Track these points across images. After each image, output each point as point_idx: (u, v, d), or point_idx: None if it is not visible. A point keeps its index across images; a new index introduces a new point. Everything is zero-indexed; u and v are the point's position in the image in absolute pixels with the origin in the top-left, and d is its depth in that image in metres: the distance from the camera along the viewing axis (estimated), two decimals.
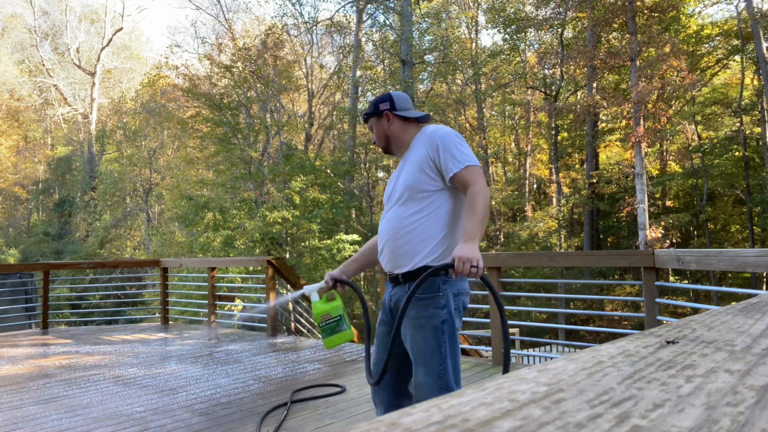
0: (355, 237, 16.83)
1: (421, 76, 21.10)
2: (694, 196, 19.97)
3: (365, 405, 3.55)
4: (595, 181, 19.47)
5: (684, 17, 18.18)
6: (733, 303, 0.88)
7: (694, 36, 18.15)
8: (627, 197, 18.71)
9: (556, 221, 20.32)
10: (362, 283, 20.90)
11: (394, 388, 2.20)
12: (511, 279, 4.87)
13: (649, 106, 15.85)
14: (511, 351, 5.04)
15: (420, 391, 2.01)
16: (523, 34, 19.95)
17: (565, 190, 21.68)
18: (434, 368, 1.98)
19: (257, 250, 16.24)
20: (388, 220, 2.15)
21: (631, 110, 15.78)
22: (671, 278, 17.31)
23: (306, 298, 2.61)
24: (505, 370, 1.99)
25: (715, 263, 3.29)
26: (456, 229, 2.09)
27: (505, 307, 4.67)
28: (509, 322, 4.70)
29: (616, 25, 17.25)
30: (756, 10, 14.95)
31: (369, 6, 19.90)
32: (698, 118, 19.85)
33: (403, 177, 2.14)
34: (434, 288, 2.02)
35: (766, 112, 16.74)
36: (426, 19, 20.90)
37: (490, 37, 44.38)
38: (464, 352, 5.57)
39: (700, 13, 19.25)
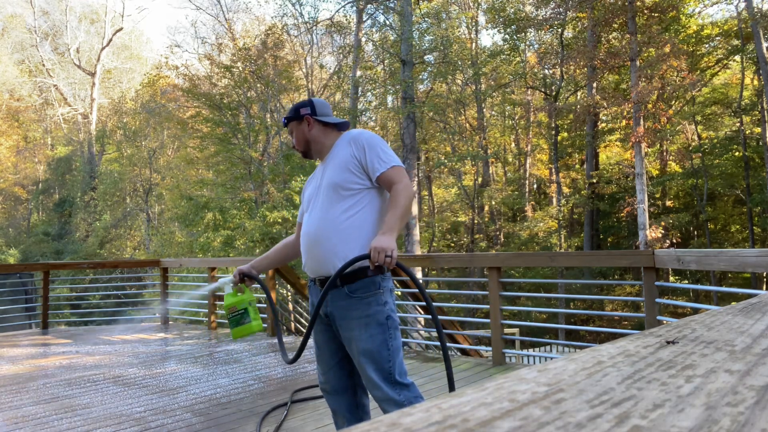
0: None
1: (421, 76, 21.09)
2: (694, 196, 19.97)
3: None
4: (595, 181, 19.47)
5: (684, 17, 18.18)
6: (733, 303, 0.88)
7: (694, 36, 18.15)
8: (627, 197, 18.72)
9: (556, 221, 20.32)
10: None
11: (350, 388, 2.25)
12: (511, 279, 4.87)
13: (649, 106, 15.85)
14: (511, 351, 5.04)
15: (372, 388, 2.05)
16: (523, 34, 19.94)
17: (565, 190, 21.68)
18: (384, 364, 2.02)
19: (257, 250, 16.24)
20: (314, 222, 2.15)
21: (631, 110, 15.78)
22: (671, 278, 17.32)
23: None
24: (449, 380, 2.10)
25: (715, 263, 3.29)
26: (377, 231, 2.12)
27: (505, 307, 4.66)
28: (509, 322, 4.70)
29: (616, 25, 17.25)
30: (756, 10, 14.95)
31: (369, 6, 19.90)
32: (698, 118, 19.85)
33: (326, 177, 2.16)
34: (375, 286, 2.06)
35: (766, 112, 16.74)
36: (426, 19, 20.89)
37: (490, 37, 44.41)
38: (464, 352, 5.57)
39: (700, 13, 19.25)
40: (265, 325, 6.33)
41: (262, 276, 2.49)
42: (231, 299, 2.38)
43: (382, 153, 2.10)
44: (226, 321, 2.45)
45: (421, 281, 2.13)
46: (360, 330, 2.04)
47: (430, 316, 5.68)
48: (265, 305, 6.38)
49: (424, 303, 5.69)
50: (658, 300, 3.86)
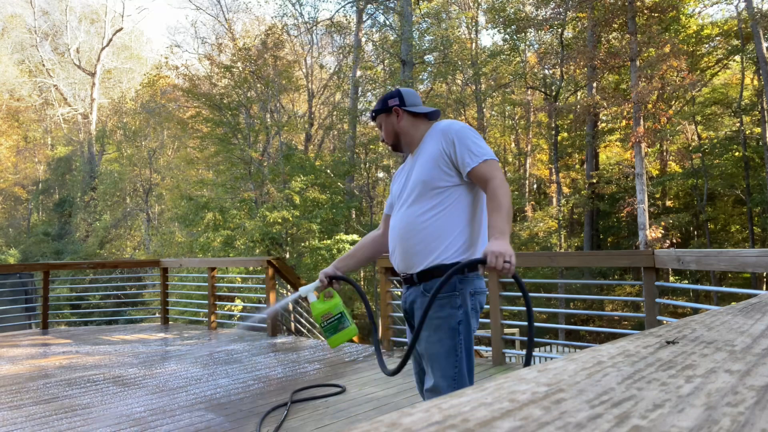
0: (355, 237, 16.82)
1: (421, 77, 21.09)
2: (694, 196, 19.96)
3: (365, 405, 3.55)
4: (595, 181, 19.47)
5: (684, 17, 18.17)
6: (733, 303, 0.88)
7: (694, 36, 18.15)
8: (627, 197, 18.71)
9: (556, 221, 20.32)
10: (363, 282, 20.90)
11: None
12: (511, 279, 4.87)
13: (649, 106, 15.85)
14: (511, 351, 5.04)
15: (434, 394, 1.95)
16: (523, 34, 19.94)
17: (565, 190, 21.68)
18: (449, 371, 1.94)
19: (257, 251, 16.24)
20: (400, 219, 2.08)
21: (631, 110, 15.77)
22: (671, 278, 17.31)
23: (304, 299, 2.52)
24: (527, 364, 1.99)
25: (715, 263, 3.29)
26: (473, 225, 2.02)
27: (505, 307, 4.66)
28: (509, 322, 4.70)
29: (616, 26, 17.25)
30: (756, 10, 14.95)
31: (369, 6, 19.90)
32: (698, 118, 19.85)
33: (415, 173, 2.07)
34: (451, 287, 1.96)
35: (766, 112, 16.74)
36: (426, 19, 20.90)
37: (490, 38, 44.42)
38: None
39: (700, 13, 19.25)
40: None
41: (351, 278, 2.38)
42: (322, 306, 2.22)
43: (474, 146, 1.98)
44: (321, 330, 2.27)
45: (529, 296, 2.05)
46: (430, 331, 1.97)
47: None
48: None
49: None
50: (658, 300, 3.86)
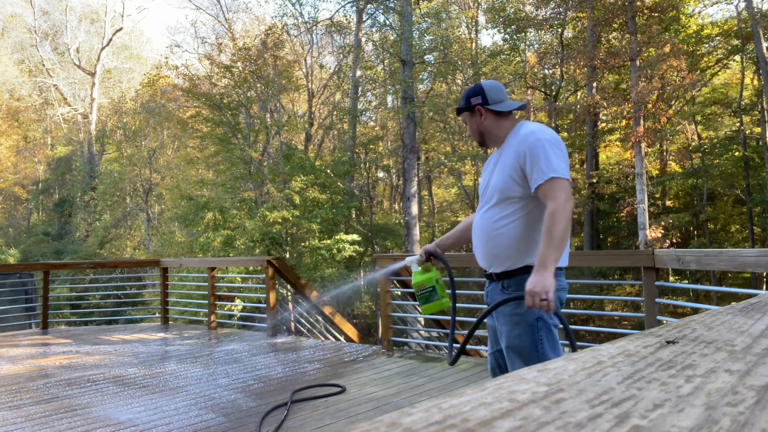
0: (355, 237, 16.82)
1: (421, 76, 21.08)
2: (694, 196, 19.96)
3: (365, 405, 3.55)
4: (595, 181, 19.46)
5: (684, 17, 18.17)
6: (733, 303, 0.88)
7: (694, 36, 18.14)
8: (627, 197, 18.71)
9: None
10: (363, 283, 20.88)
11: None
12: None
13: (649, 106, 15.85)
14: None
15: None
16: (523, 34, 19.93)
17: None
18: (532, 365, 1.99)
19: (257, 250, 16.24)
20: (480, 220, 2.18)
21: (631, 110, 15.77)
22: (671, 278, 17.31)
23: (406, 269, 2.78)
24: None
25: (715, 263, 3.28)
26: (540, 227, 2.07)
27: None
28: None
29: (616, 25, 17.24)
30: (756, 10, 14.95)
31: (369, 6, 19.89)
32: (698, 118, 19.84)
33: (494, 177, 2.13)
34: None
35: (766, 112, 16.73)
36: (426, 19, 20.89)
37: (490, 37, 44.41)
38: (465, 352, 5.57)
39: (700, 13, 19.25)
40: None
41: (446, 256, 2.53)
42: (419, 277, 2.41)
43: (544, 161, 1.96)
44: (416, 300, 2.50)
45: (572, 331, 2.10)
46: (510, 327, 2.06)
47: (429, 316, 5.67)
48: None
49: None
50: (658, 300, 3.86)
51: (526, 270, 2.01)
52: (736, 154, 18.38)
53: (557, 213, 1.89)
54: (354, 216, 20.86)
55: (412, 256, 2.49)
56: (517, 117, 2.28)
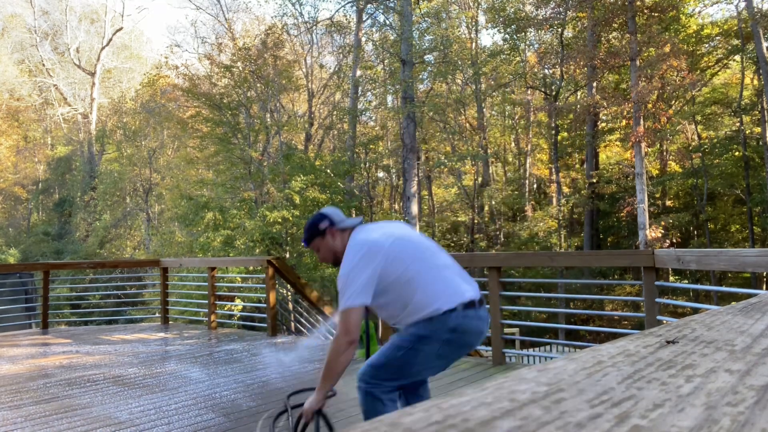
0: None
1: (421, 76, 21.08)
2: (694, 196, 19.96)
3: None
4: (595, 181, 19.47)
5: (684, 17, 18.17)
6: (733, 303, 0.88)
7: (694, 36, 18.14)
8: (627, 197, 18.71)
9: (556, 221, 20.32)
10: None
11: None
12: (511, 279, 4.87)
13: (649, 105, 15.85)
14: (511, 351, 5.04)
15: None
16: (523, 33, 19.94)
17: (565, 189, 21.68)
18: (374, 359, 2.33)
19: (257, 250, 16.23)
20: None
21: (631, 110, 15.77)
22: (671, 278, 17.31)
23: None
24: None
25: (715, 263, 3.29)
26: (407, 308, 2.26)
27: (505, 307, 4.65)
28: (509, 321, 4.70)
29: (616, 25, 17.24)
30: (756, 9, 14.94)
31: (369, 6, 19.89)
32: (698, 117, 19.84)
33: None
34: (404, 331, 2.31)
35: (766, 111, 16.73)
36: (426, 18, 20.89)
37: (490, 37, 44.40)
38: None
39: (700, 12, 19.25)
40: None
41: None
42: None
43: (341, 293, 2.16)
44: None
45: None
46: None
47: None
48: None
49: None
50: (658, 300, 3.86)
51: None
52: (736, 153, 18.38)
53: (331, 347, 2.14)
54: (354, 216, 20.85)
55: None
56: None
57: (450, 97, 21.85)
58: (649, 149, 19.00)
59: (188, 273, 15.52)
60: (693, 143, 20.54)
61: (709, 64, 18.58)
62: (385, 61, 21.31)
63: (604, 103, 17.32)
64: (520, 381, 0.40)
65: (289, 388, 4.01)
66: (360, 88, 21.23)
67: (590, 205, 19.71)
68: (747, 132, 18.35)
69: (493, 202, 22.38)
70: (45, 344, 6.25)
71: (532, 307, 15.10)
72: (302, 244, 2.44)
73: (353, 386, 4.00)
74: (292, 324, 7.37)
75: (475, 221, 22.08)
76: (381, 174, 25.45)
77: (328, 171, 18.38)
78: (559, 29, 18.68)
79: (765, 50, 14.62)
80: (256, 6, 42.96)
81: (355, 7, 20.12)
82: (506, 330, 5.06)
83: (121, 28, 31.72)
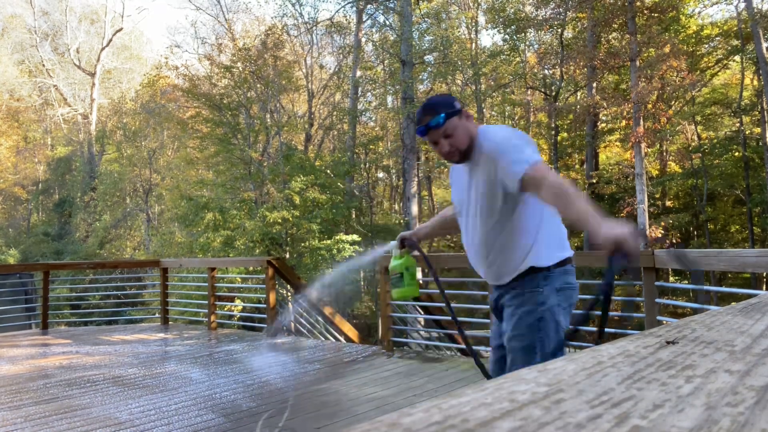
0: (355, 237, 16.82)
1: (421, 77, 21.09)
2: (694, 196, 19.97)
3: (365, 405, 3.55)
4: (595, 181, 19.46)
5: (684, 17, 18.17)
6: (733, 303, 0.88)
7: (694, 36, 18.14)
8: (627, 197, 18.70)
9: None
10: (363, 282, 20.89)
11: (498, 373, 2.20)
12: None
13: (649, 106, 15.85)
14: None
15: None
16: (523, 34, 19.93)
17: None
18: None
19: (257, 251, 16.23)
20: (473, 238, 2.04)
21: (631, 110, 15.77)
22: (671, 278, 17.31)
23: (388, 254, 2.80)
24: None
25: (715, 263, 3.28)
26: (545, 225, 1.94)
27: None
28: None
29: (615, 26, 17.24)
30: (756, 10, 14.95)
31: (369, 6, 19.90)
32: (698, 118, 19.84)
33: (475, 190, 1.96)
34: (534, 284, 1.91)
35: (765, 112, 16.73)
36: (426, 19, 20.90)
37: (489, 38, 44.43)
38: (464, 352, 5.57)
39: (699, 13, 19.25)
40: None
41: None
42: (392, 263, 2.45)
43: (515, 154, 1.78)
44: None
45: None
46: (511, 325, 1.96)
47: (429, 317, 5.68)
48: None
49: (424, 304, 5.69)
50: (658, 300, 3.86)
51: (532, 271, 1.92)
52: (736, 154, 18.38)
53: (559, 185, 1.66)
54: (354, 216, 20.87)
55: (394, 241, 2.49)
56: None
57: None
58: (649, 150, 19.00)
59: (188, 273, 15.51)
60: (693, 144, 20.54)
61: (709, 64, 18.58)
62: (385, 62, 21.31)
63: (604, 104, 17.32)
64: (519, 381, 0.41)
65: (288, 388, 4.01)
66: (360, 89, 21.23)
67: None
68: (747, 132, 18.36)
69: None
70: (45, 345, 6.25)
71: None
72: (421, 130, 1.93)
73: (354, 385, 4.00)
74: (292, 324, 7.37)
75: None
76: (381, 174, 25.46)
77: (328, 171, 18.39)
78: (559, 30, 18.68)
79: (765, 51, 14.62)
80: (256, 6, 43.03)
81: (355, 8, 20.13)
82: None
83: (121, 29, 31.73)
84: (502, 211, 1.91)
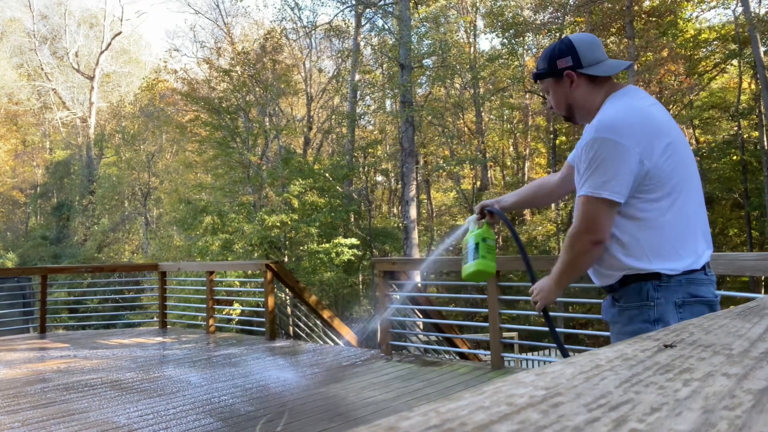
0: (354, 241, 16.81)
1: (419, 80, 21.13)
2: None
3: (363, 409, 3.54)
4: None
5: (681, 21, 18.24)
6: (731, 306, 0.88)
7: (692, 40, 18.21)
8: None
9: (555, 225, 20.33)
10: (362, 286, 20.86)
11: None
12: (510, 283, 4.87)
13: None
14: (510, 355, 5.04)
15: None
16: (522, 38, 19.99)
17: None
18: None
19: (256, 254, 16.22)
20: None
21: None
22: None
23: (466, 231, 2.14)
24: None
25: (713, 267, 3.29)
26: (648, 229, 1.62)
27: (504, 311, 4.66)
28: (508, 325, 4.69)
29: (614, 30, 17.31)
30: (753, 14, 15.01)
31: (368, 10, 19.95)
32: (696, 122, 19.90)
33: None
34: (642, 296, 1.62)
35: (763, 116, 16.79)
36: (424, 23, 20.95)
37: (488, 42, 44.52)
38: (463, 355, 5.57)
39: (697, 17, 19.32)
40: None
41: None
42: (466, 236, 2.07)
43: (584, 169, 1.58)
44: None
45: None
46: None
47: (427, 320, 5.67)
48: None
49: (423, 308, 5.68)
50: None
51: (636, 278, 1.63)
52: (734, 157, 18.42)
53: (572, 242, 1.64)
54: (352, 220, 20.87)
55: (473, 215, 2.15)
56: (616, 82, 1.76)
57: (448, 101, 21.89)
58: None
59: (186, 277, 15.49)
60: (691, 147, 20.58)
61: (707, 68, 18.65)
62: (384, 66, 21.34)
63: None
64: (517, 385, 0.40)
65: (287, 392, 4.01)
66: (359, 92, 21.27)
67: None
68: (744, 136, 18.41)
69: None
70: (42, 348, 6.23)
71: (531, 311, 15.09)
72: (532, 76, 1.83)
73: (352, 388, 4.00)
74: (291, 328, 7.36)
75: None
76: (379, 178, 25.46)
77: (327, 175, 18.40)
78: (558, 34, 18.74)
79: (762, 54, 14.67)
80: (255, 11, 43.09)
81: (353, 12, 20.18)
82: (505, 334, 5.06)
83: (120, 33, 31.77)
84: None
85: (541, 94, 21.57)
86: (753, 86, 18.29)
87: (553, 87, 1.77)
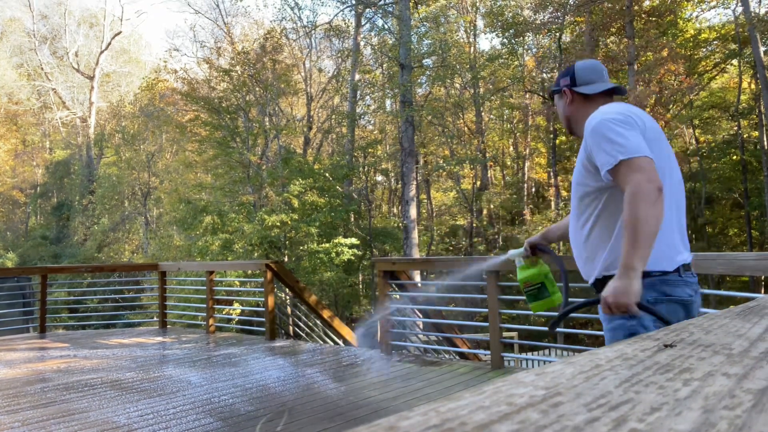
0: (354, 241, 16.81)
1: (419, 80, 21.13)
2: (692, 199, 20.00)
3: (363, 408, 3.54)
4: None
5: (681, 21, 18.24)
6: (731, 306, 0.88)
7: (692, 40, 18.21)
8: None
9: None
10: (362, 285, 20.87)
11: None
12: (510, 283, 4.87)
13: (647, 109, 15.89)
14: (510, 354, 5.04)
15: None
16: (522, 38, 20.00)
17: (564, 193, 21.70)
18: None
19: (256, 254, 16.22)
20: (569, 224, 1.99)
21: None
22: None
23: (511, 262, 2.39)
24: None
25: (713, 266, 3.29)
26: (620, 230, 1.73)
27: (504, 311, 4.65)
28: (508, 325, 4.69)
29: (613, 30, 17.31)
30: (753, 14, 15.01)
31: (368, 10, 19.94)
32: (696, 121, 19.90)
33: (574, 175, 1.88)
34: None
35: (763, 115, 16.79)
36: (424, 23, 20.95)
37: (488, 42, 44.53)
38: (463, 355, 5.57)
39: (697, 17, 19.33)
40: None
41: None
42: (525, 273, 2.24)
43: (607, 144, 1.62)
44: (524, 296, 2.35)
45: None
46: (608, 342, 1.78)
47: (427, 320, 5.68)
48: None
49: (423, 308, 5.69)
50: None
51: (605, 280, 1.76)
52: (734, 157, 18.43)
53: (633, 200, 1.53)
54: (352, 220, 20.87)
55: (515, 250, 2.32)
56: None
57: (448, 101, 21.89)
58: None
59: (186, 277, 15.49)
60: (691, 147, 20.58)
61: (707, 68, 18.65)
62: (384, 65, 21.34)
63: None
64: (517, 385, 0.40)
65: (287, 392, 4.01)
66: (359, 92, 21.27)
67: None
68: (744, 136, 18.41)
69: (492, 206, 22.40)
70: (42, 348, 6.23)
71: (531, 311, 15.08)
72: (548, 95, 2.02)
73: (352, 388, 4.00)
74: (291, 328, 7.36)
75: (474, 225, 22.09)
76: (379, 178, 25.46)
77: (327, 175, 18.40)
78: (557, 34, 18.74)
79: (762, 54, 14.67)
80: (255, 10, 43.10)
81: (353, 12, 20.17)
82: (505, 334, 5.06)
83: (120, 32, 31.77)
84: (591, 201, 1.82)
85: (540, 93, 21.59)
86: (753, 86, 18.28)
87: (557, 102, 2.05)
